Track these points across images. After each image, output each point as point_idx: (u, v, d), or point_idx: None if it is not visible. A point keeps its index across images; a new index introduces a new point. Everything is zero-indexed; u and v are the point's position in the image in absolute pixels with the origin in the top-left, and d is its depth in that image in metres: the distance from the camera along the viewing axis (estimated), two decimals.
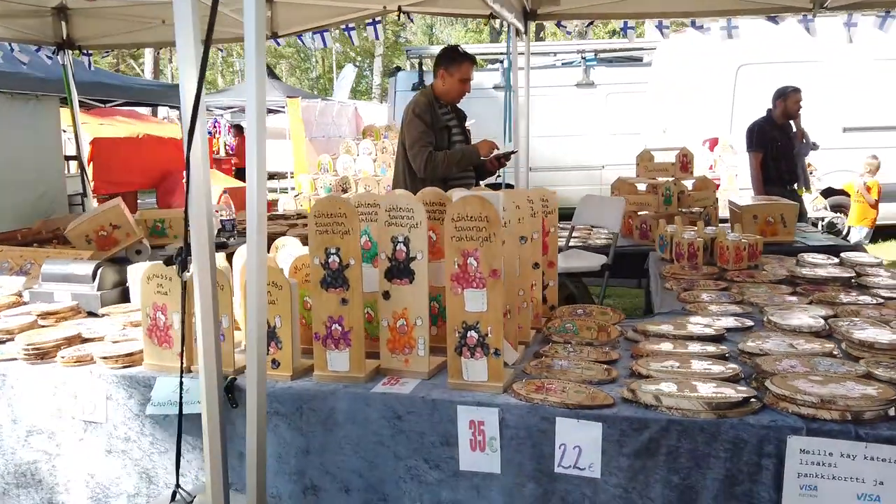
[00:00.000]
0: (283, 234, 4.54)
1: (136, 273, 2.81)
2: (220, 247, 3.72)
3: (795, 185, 5.97)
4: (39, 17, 5.71)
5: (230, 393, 1.94)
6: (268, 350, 1.94)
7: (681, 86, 8.62)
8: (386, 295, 1.99)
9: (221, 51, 7.31)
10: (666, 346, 2.14)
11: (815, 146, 6.12)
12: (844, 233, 7.82)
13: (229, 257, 2.48)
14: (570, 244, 4.44)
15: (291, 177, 13.35)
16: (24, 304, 2.84)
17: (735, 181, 6.95)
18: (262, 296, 1.65)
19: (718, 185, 5.87)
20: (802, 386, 1.64)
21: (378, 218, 2.01)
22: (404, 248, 1.95)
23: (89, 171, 7.54)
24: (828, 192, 8.20)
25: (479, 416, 1.78)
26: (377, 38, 5.06)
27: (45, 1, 5.56)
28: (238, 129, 14.59)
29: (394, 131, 8.72)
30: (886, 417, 1.56)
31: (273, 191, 15.74)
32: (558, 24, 5.30)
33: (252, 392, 1.65)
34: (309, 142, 11.44)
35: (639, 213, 4.50)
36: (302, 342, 2.12)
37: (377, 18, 5.18)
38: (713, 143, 7.73)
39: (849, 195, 7.95)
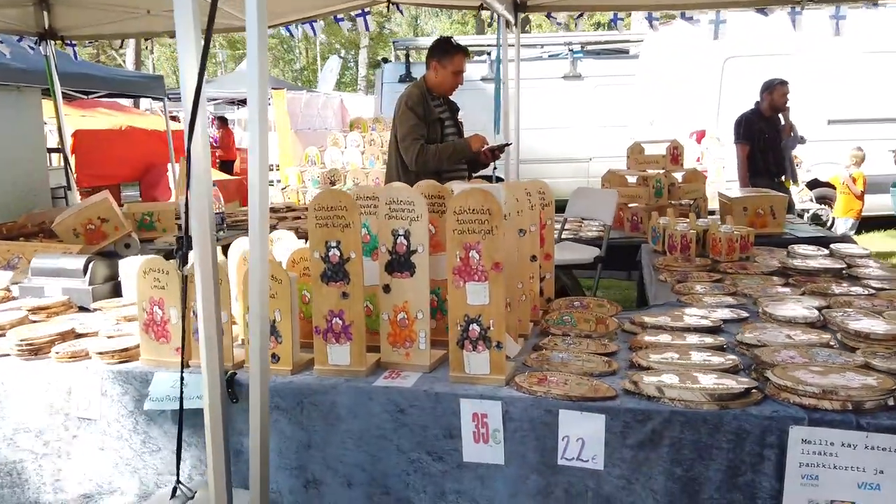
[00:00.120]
0: (274, 227, 4.51)
1: (129, 267, 2.78)
2: None
3: (783, 178, 6.03)
4: (21, 6, 5.60)
5: (230, 388, 1.93)
6: None
7: (668, 78, 8.66)
8: (386, 288, 1.98)
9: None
10: (664, 337, 2.15)
11: (802, 140, 6.18)
12: (829, 224, 7.91)
13: (224, 251, 2.46)
14: (562, 237, 4.45)
15: (277, 169, 13.25)
16: (14, 298, 2.79)
17: (722, 173, 7.00)
18: (265, 291, 1.63)
19: (706, 178, 5.89)
20: (803, 377, 1.66)
21: (378, 211, 2.00)
22: (405, 242, 1.94)
23: (71, 163, 7.44)
24: (812, 184, 8.28)
25: (482, 409, 1.78)
26: (367, 29, 5.02)
27: None
28: (222, 121, 14.44)
29: (381, 123, 8.68)
30: (886, 407, 1.58)
31: None
32: (548, 16, 5.28)
33: (255, 387, 1.64)
34: (294, 134, 11.37)
35: (629, 205, 4.52)
36: (300, 336, 2.10)
37: (366, 9, 5.14)
38: (700, 135, 7.77)
39: (833, 187, 8.04)
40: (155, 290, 2.06)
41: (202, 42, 1.58)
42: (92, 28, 6.15)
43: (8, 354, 2.20)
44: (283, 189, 8.53)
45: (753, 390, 1.69)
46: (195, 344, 2.01)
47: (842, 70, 8.16)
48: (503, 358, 1.86)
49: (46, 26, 5.83)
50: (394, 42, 12.97)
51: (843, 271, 2.97)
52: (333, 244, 1.92)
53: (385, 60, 11.37)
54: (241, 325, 2.19)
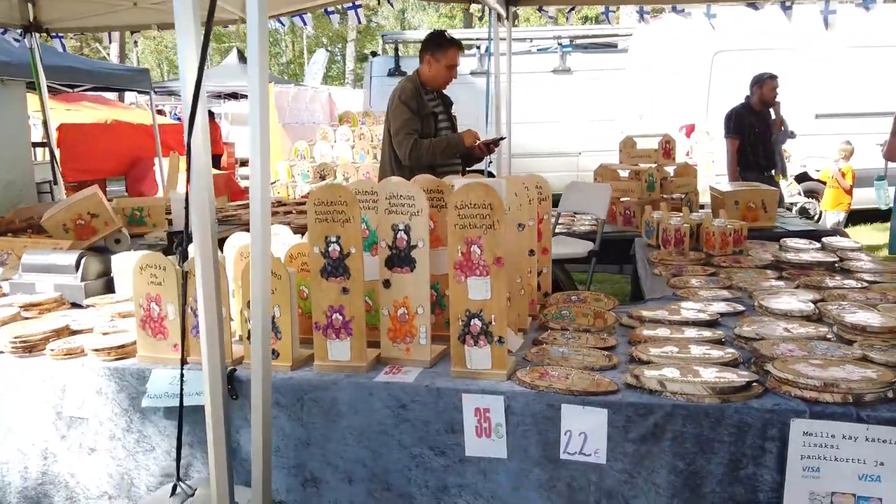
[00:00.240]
0: None
1: (121, 263, 2.76)
2: None
3: (773, 172, 6.07)
4: None
5: (230, 384, 1.91)
6: None
7: (657, 72, 8.68)
8: (386, 283, 1.97)
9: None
10: (663, 331, 2.16)
11: (792, 135, 6.22)
12: (816, 218, 7.98)
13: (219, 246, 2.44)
14: (555, 231, 4.45)
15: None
16: (4, 295, 2.76)
17: (712, 167, 7.04)
18: (267, 288, 1.62)
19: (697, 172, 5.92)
20: (804, 370, 1.67)
21: (377, 206, 1.99)
22: (405, 236, 1.94)
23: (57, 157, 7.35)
24: (800, 178, 8.35)
25: (484, 404, 1.78)
26: (360, 22, 4.99)
27: None
28: (208, 115, 14.32)
29: (371, 117, 8.64)
30: (886, 399, 1.60)
31: (246, 178, 15.54)
32: (539, 9, 5.27)
33: (257, 384, 1.63)
34: (282, 128, 11.30)
35: (621, 199, 4.53)
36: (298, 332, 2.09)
37: (357, 2, 5.11)
38: (690, 129, 7.81)
39: (821, 181, 8.12)
40: (152, 286, 2.04)
41: (202, 35, 1.56)
42: (77, 20, 6.06)
43: (2, 352, 2.17)
44: (272, 183, 8.47)
45: (754, 383, 1.70)
46: (193, 340, 1.99)
47: (829, 65, 8.22)
48: (505, 353, 1.85)
49: (31, 19, 5.75)
50: (382, 35, 12.91)
51: (836, 265, 3.00)
52: (333, 239, 1.91)
53: (374, 54, 11.31)
54: (239, 321, 2.18)
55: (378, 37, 28.89)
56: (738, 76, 7.00)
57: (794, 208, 7.89)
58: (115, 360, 2.09)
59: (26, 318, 2.44)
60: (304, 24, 5.65)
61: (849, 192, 7.16)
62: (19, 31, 5.80)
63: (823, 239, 3.43)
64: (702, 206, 4.69)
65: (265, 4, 1.51)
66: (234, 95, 15.92)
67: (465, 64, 10.02)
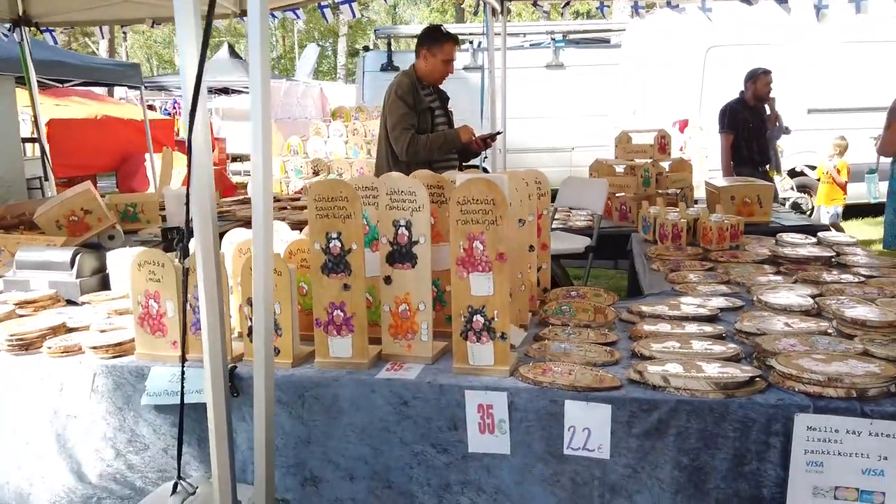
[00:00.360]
0: None
1: (117, 259, 2.73)
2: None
3: (767, 167, 6.09)
4: None
5: (230, 382, 1.89)
6: None
7: (650, 67, 8.69)
8: (387, 280, 1.96)
9: None
10: (663, 326, 2.16)
11: (787, 130, 6.25)
12: (809, 213, 8.02)
13: None
14: (552, 226, 4.45)
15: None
16: None
17: (705, 162, 7.05)
18: (269, 285, 1.61)
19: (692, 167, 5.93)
20: (807, 364, 1.67)
21: (378, 201, 1.97)
22: (406, 232, 1.92)
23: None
24: (793, 173, 8.39)
25: (487, 400, 1.77)
26: (354, 16, 4.96)
27: None
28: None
29: (364, 112, 8.60)
30: (889, 394, 1.60)
31: (237, 174, 15.46)
32: (535, 4, 5.26)
33: (260, 382, 1.62)
34: (274, 123, 11.24)
35: (617, 194, 4.54)
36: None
37: None
38: (683, 124, 7.82)
39: (810, 175, 8.17)
40: (150, 282, 2.02)
41: (202, 28, 1.54)
42: (67, 14, 6.00)
43: None
44: None
45: (757, 378, 1.70)
46: (191, 337, 1.98)
47: (822, 60, 8.25)
48: (507, 349, 1.85)
49: (20, 13, 5.68)
50: (375, 30, 12.87)
51: (832, 259, 3.01)
52: (334, 235, 1.89)
53: (366, 49, 11.27)
54: (239, 318, 2.16)
55: (369, 32, 28.82)
56: (732, 71, 7.01)
57: (787, 203, 7.93)
58: (112, 357, 2.07)
59: (21, 316, 2.41)
60: (298, 17, 5.62)
61: (843, 187, 7.19)
62: (8, 25, 5.73)
63: (819, 234, 3.44)
64: (696, 202, 4.69)
65: (266, 2, 1.50)
66: (224, 91, 15.83)
67: (458, 59, 9.99)
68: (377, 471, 1.89)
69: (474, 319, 1.84)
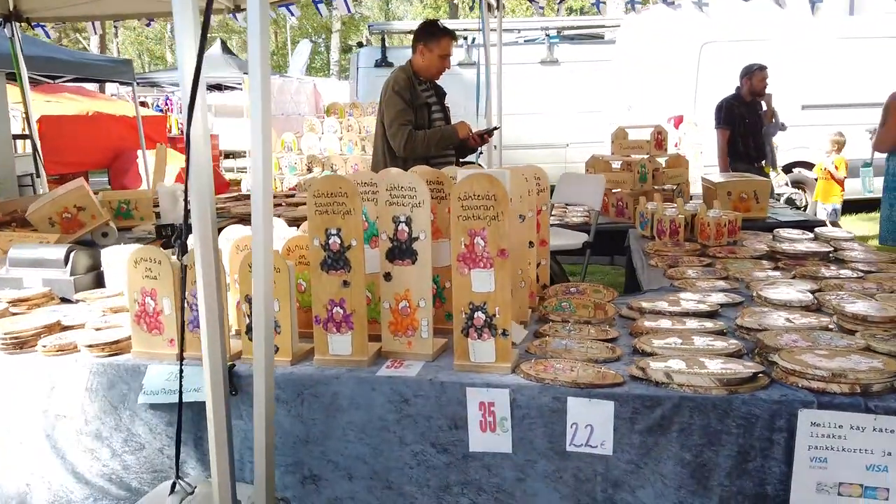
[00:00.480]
0: None
1: (112, 257, 2.70)
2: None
3: (763, 163, 6.10)
4: None
5: (229, 380, 1.87)
6: None
7: (645, 63, 8.69)
8: (387, 276, 1.94)
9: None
10: (664, 322, 2.15)
11: (783, 127, 6.25)
12: (804, 208, 8.04)
13: None
14: (550, 223, 4.44)
15: (250, 156, 12.98)
16: None
17: (700, 158, 7.06)
18: (269, 283, 1.59)
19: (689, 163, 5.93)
20: (811, 360, 1.67)
21: (378, 197, 1.95)
22: (406, 229, 1.90)
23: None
24: (787, 169, 8.40)
25: (489, 398, 1.76)
26: (349, 11, 4.92)
27: None
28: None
29: (358, 109, 8.56)
30: (893, 389, 1.60)
31: (230, 170, 15.39)
32: (530, 0, 5.24)
33: (260, 380, 1.60)
34: None
35: (613, 190, 4.53)
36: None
37: None
38: (678, 120, 7.82)
39: (803, 171, 8.20)
40: (147, 280, 2.00)
41: (199, 22, 1.51)
42: (58, 10, 5.94)
43: None
44: None
45: (760, 374, 1.69)
46: (189, 335, 1.95)
47: (816, 56, 8.27)
48: (509, 345, 1.83)
49: (11, 7, 5.63)
50: (369, 26, 12.82)
51: (830, 255, 3.01)
52: (334, 232, 1.87)
53: (360, 45, 11.22)
54: (237, 315, 2.14)
55: (362, 28, 28.72)
56: (726, 67, 7.02)
57: (782, 199, 7.95)
58: (108, 356, 2.04)
59: (15, 314, 2.38)
60: (292, 14, 5.58)
61: (842, 183, 7.19)
62: None
63: (816, 229, 3.44)
64: (691, 197, 4.69)
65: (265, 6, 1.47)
66: (217, 87, 15.74)
67: (453, 55, 9.97)
68: (377, 470, 1.87)
69: (475, 316, 1.83)
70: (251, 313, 1.89)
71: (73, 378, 2.02)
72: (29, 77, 6.28)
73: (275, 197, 5.10)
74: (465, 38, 10.03)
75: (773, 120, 6.12)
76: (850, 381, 1.58)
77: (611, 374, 1.76)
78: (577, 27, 11.19)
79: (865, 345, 1.82)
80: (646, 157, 4.48)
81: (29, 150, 6.67)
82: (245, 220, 4.28)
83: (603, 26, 10.90)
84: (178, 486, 1.79)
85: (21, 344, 2.09)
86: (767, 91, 6.14)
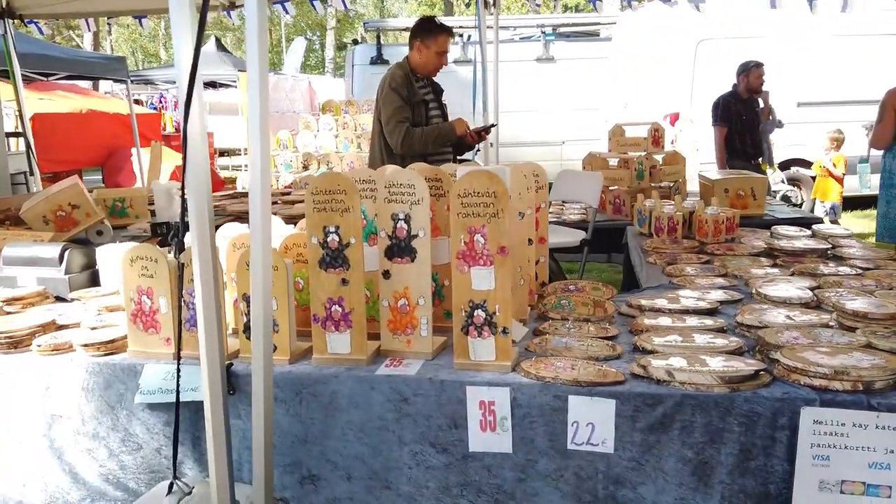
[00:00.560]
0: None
1: (107, 255, 2.68)
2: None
3: (760, 160, 6.10)
4: None
5: (227, 379, 1.85)
6: None
7: (641, 60, 8.68)
8: (386, 274, 1.93)
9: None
10: (664, 320, 2.14)
11: (780, 124, 6.25)
12: (799, 206, 8.05)
13: None
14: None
15: (245, 153, 12.96)
16: None
17: (696, 155, 7.05)
18: (268, 282, 1.57)
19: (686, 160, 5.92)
20: (813, 357, 1.66)
21: (376, 194, 1.94)
22: (405, 226, 1.89)
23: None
24: (783, 166, 8.41)
25: (489, 397, 1.75)
26: (345, 8, 4.89)
27: None
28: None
29: (354, 106, 8.54)
30: (895, 387, 1.59)
31: (225, 168, 15.34)
32: None
33: (258, 380, 1.59)
34: None
35: (611, 188, 4.52)
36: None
37: None
38: (674, 117, 7.81)
39: (794, 168, 8.21)
40: (143, 278, 1.98)
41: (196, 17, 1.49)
42: (52, 6, 5.88)
43: None
44: None
45: (762, 372, 1.68)
46: (186, 334, 1.93)
47: (812, 53, 8.27)
48: (509, 343, 1.82)
49: (4, 4, 5.58)
50: (364, 23, 12.77)
51: (828, 252, 3.01)
52: (332, 229, 1.86)
53: (356, 42, 11.18)
54: (233, 314, 2.12)
55: (357, 25, 28.64)
56: (722, 64, 7.01)
57: (777, 196, 7.96)
58: (104, 355, 2.02)
59: (9, 313, 2.36)
60: (287, 12, 5.54)
61: (840, 181, 7.19)
62: None
63: (814, 226, 3.44)
64: (687, 195, 4.68)
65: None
66: (212, 84, 15.67)
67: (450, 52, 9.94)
68: (375, 470, 1.86)
69: (475, 314, 1.82)
70: (249, 312, 1.88)
71: (69, 378, 2.00)
72: (22, 74, 6.23)
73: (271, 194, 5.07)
74: (461, 36, 10.00)
75: (771, 117, 6.12)
76: (853, 378, 1.57)
77: (612, 372, 1.75)
78: (573, 24, 11.16)
79: (866, 342, 1.82)
80: (643, 154, 4.47)
81: (22, 148, 6.62)
82: (241, 217, 4.25)
83: (599, 24, 10.88)
84: (175, 487, 1.77)
85: (15, 343, 2.07)
86: (764, 88, 6.14)
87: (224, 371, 1.63)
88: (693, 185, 4.80)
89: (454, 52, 9.96)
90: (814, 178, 7.76)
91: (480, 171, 1.77)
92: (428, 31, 3.80)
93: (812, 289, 2.40)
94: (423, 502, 1.83)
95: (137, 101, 13.15)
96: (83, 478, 2.03)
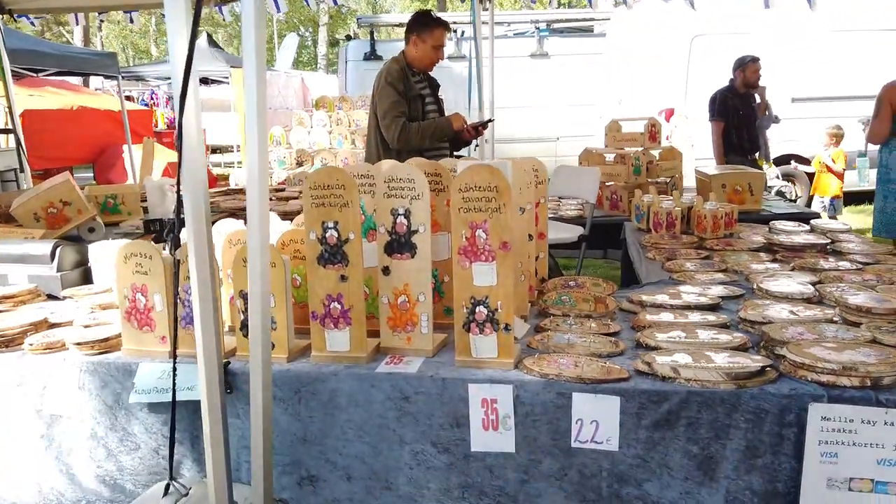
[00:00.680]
0: (244, 208, 4.35)
1: (99, 252, 2.64)
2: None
3: (756, 155, 6.09)
4: None
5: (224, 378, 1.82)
6: None
7: (635, 56, 8.66)
8: (386, 270, 1.90)
9: (162, 15, 6.91)
10: (666, 316, 2.12)
11: (777, 119, 6.25)
12: (794, 201, 8.05)
13: None
14: None
15: (237, 150, 12.90)
16: None
17: (691, 151, 7.04)
18: (266, 279, 1.53)
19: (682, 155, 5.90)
20: (820, 353, 1.64)
21: (375, 189, 1.91)
22: (405, 221, 1.86)
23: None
24: (777, 161, 8.42)
25: (491, 394, 1.72)
26: (335, 3, 4.84)
27: None
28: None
29: (348, 102, 8.48)
30: None
31: (217, 165, 15.25)
32: None
33: (257, 378, 1.55)
34: None
35: (607, 183, 4.49)
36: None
37: None
38: (669, 113, 7.80)
39: (793, 164, 8.20)
40: (137, 275, 1.94)
41: (192, 9, 1.46)
42: (42, 1, 5.81)
43: None
44: None
45: (768, 368, 1.66)
46: (181, 332, 1.90)
47: (805, 49, 8.27)
48: (512, 340, 1.79)
49: None
50: (358, 19, 12.70)
51: (828, 247, 2.99)
52: (331, 225, 1.82)
53: (349, 38, 11.11)
54: (230, 312, 2.09)
55: (349, 21, 28.55)
56: (717, 60, 7.00)
57: (772, 191, 7.96)
58: (98, 353, 1.98)
59: (0, 311, 2.31)
60: (279, 9, 5.49)
61: (840, 176, 7.18)
62: None
63: (812, 221, 3.43)
64: (686, 190, 4.66)
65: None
66: (203, 81, 15.56)
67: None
68: (376, 471, 1.83)
69: (477, 310, 1.79)
70: (245, 309, 1.84)
71: (63, 377, 1.96)
72: (11, 70, 6.15)
73: None
74: (455, 32, 9.95)
75: (767, 112, 6.11)
76: (861, 374, 1.55)
77: (616, 368, 1.72)
78: (567, 20, 11.13)
79: (872, 337, 1.80)
80: (640, 149, 4.45)
81: (12, 144, 6.53)
82: (235, 214, 4.21)
83: (593, 19, 10.85)
84: (171, 488, 1.74)
85: (7, 342, 2.03)
86: (761, 83, 6.13)
87: (222, 370, 1.59)
88: (689, 181, 4.78)
89: (448, 47, 9.91)
90: (809, 175, 7.76)
91: (482, 166, 1.74)
92: (424, 24, 3.76)
93: (813, 284, 2.39)
94: (423, 503, 1.81)
95: (128, 98, 13.04)
96: (78, 479, 1.99)
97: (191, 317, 1.84)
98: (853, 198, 8.40)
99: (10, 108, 6.10)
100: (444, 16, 12.07)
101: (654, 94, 8.30)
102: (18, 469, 2.02)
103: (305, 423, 1.86)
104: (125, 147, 9.83)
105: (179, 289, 1.85)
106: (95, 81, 15.60)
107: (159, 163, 9.29)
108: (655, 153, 4.58)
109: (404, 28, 3.93)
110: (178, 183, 1.48)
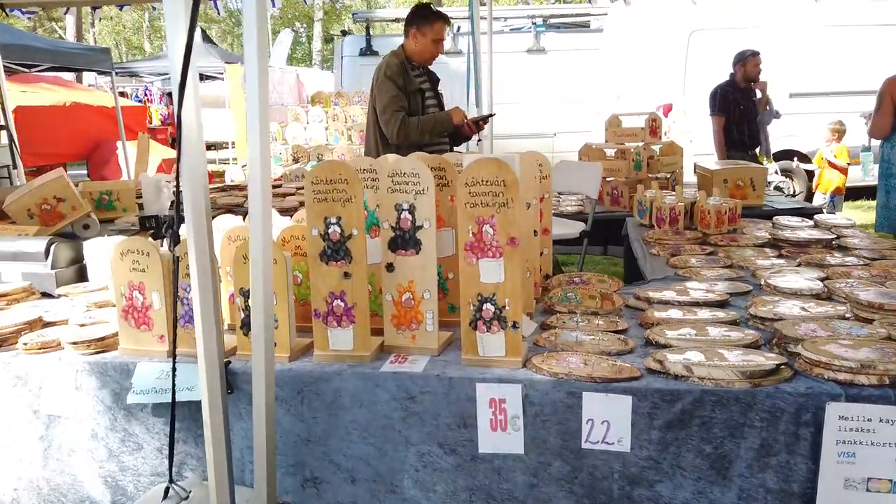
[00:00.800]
0: (241, 205, 4.31)
1: (94, 249, 2.59)
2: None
3: (757, 151, 6.06)
4: None
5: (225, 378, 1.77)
6: None
7: (633, 51, 8.61)
8: (390, 267, 1.85)
9: (155, 9, 6.82)
10: (674, 312, 2.08)
11: (777, 115, 6.21)
12: (792, 196, 8.04)
13: None
14: None
15: (232, 147, 12.82)
16: None
17: (690, 146, 7.01)
18: (269, 274, 1.49)
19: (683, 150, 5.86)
20: (836, 351, 1.60)
21: (379, 184, 1.86)
22: (409, 217, 1.81)
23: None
24: (776, 157, 8.40)
25: (500, 394, 1.68)
26: None
27: None
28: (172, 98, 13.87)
29: (344, 98, 8.42)
30: None
31: (212, 161, 15.15)
32: None
33: (259, 379, 1.51)
34: None
35: (608, 179, 4.45)
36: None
37: None
38: (667, 109, 7.77)
39: (796, 162, 8.19)
40: (134, 273, 1.89)
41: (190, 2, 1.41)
42: None
43: None
44: (243, 167, 8.23)
45: (783, 366, 1.63)
46: (180, 331, 1.85)
47: (804, 44, 8.25)
48: (520, 338, 1.75)
49: None
50: (353, 14, 12.62)
51: (833, 242, 2.96)
52: (333, 220, 1.78)
53: (344, 33, 11.04)
54: (229, 310, 2.04)
55: (344, 17, 28.42)
56: (715, 55, 6.96)
57: (771, 187, 7.94)
58: (95, 353, 1.93)
59: None
60: (273, 4, 5.43)
61: (844, 171, 7.15)
62: None
63: (816, 217, 3.40)
64: (687, 185, 4.62)
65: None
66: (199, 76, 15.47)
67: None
68: (380, 472, 1.78)
69: (484, 308, 1.74)
70: (246, 307, 1.80)
71: (59, 377, 1.91)
72: (4, 65, 6.08)
73: None
74: (451, 27, 9.89)
75: (768, 108, 6.08)
76: (879, 372, 1.52)
77: (627, 367, 1.68)
78: (564, 15, 11.07)
79: (886, 334, 1.76)
80: (640, 144, 4.41)
81: (5, 141, 6.46)
82: (233, 210, 4.16)
83: (590, 14, 10.81)
84: (171, 491, 1.69)
85: (0, 342, 1.98)
86: (762, 78, 6.10)
87: (223, 369, 1.54)
88: (688, 177, 4.75)
89: (444, 43, 9.85)
90: (807, 171, 7.74)
91: (489, 159, 1.70)
92: (424, 17, 3.71)
93: (821, 279, 2.35)
94: None
95: (122, 94, 12.93)
96: (80, 480, 1.94)
97: (190, 315, 1.80)
98: (852, 193, 8.39)
99: (2, 104, 6.02)
100: (447, 11, 11.99)
101: (652, 89, 8.26)
102: (18, 469, 1.97)
103: (308, 424, 1.81)
104: (119, 143, 9.75)
105: (179, 287, 1.80)
106: (89, 77, 15.50)
107: (153, 159, 9.22)
108: (656, 148, 4.54)
109: (400, 23, 3.89)
110: (178, 177, 1.44)
